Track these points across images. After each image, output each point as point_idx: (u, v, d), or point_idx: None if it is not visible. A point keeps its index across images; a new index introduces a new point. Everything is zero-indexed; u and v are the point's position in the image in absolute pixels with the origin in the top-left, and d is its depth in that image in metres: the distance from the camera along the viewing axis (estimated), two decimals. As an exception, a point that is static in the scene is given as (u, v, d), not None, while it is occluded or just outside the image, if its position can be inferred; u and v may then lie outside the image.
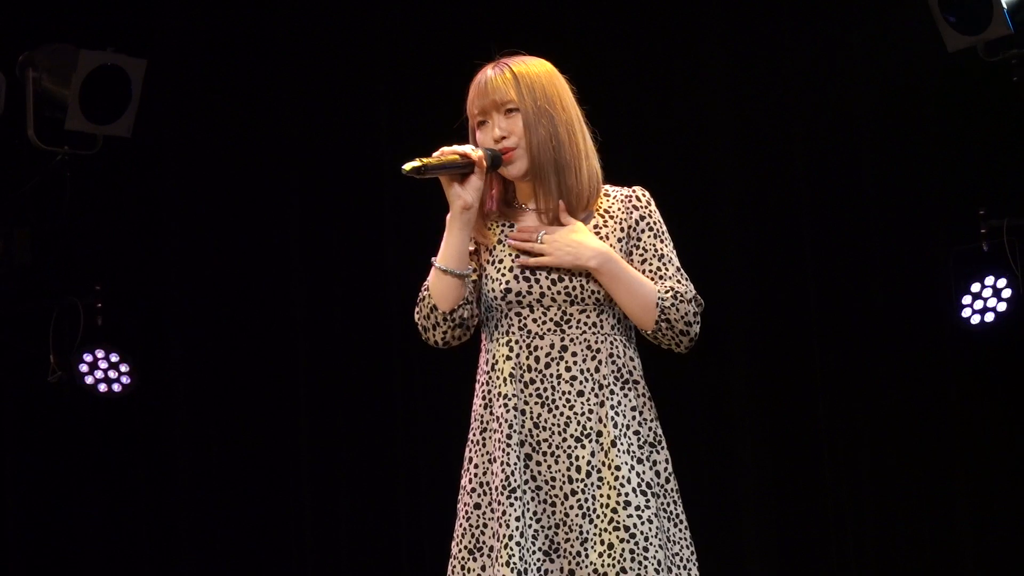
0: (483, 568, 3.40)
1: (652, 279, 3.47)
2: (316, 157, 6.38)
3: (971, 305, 5.67)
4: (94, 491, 6.38)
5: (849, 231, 5.98)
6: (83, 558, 6.37)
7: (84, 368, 6.14)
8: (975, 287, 5.66)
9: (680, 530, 3.46)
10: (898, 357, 5.90)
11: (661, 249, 3.51)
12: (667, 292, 3.45)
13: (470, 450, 3.48)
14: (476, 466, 3.45)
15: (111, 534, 6.38)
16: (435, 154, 3.35)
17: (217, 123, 6.40)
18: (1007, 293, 5.64)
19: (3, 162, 6.10)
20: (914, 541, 5.90)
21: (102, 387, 6.16)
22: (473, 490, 3.44)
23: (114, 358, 6.16)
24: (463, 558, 3.43)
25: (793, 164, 6.05)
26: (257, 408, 6.39)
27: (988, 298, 5.66)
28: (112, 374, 6.16)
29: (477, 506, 3.43)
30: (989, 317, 5.66)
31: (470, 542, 3.43)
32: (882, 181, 5.95)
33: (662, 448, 3.48)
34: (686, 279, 3.50)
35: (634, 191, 3.57)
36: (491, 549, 3.38)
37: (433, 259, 3.43)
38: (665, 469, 3.46)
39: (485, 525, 3.42)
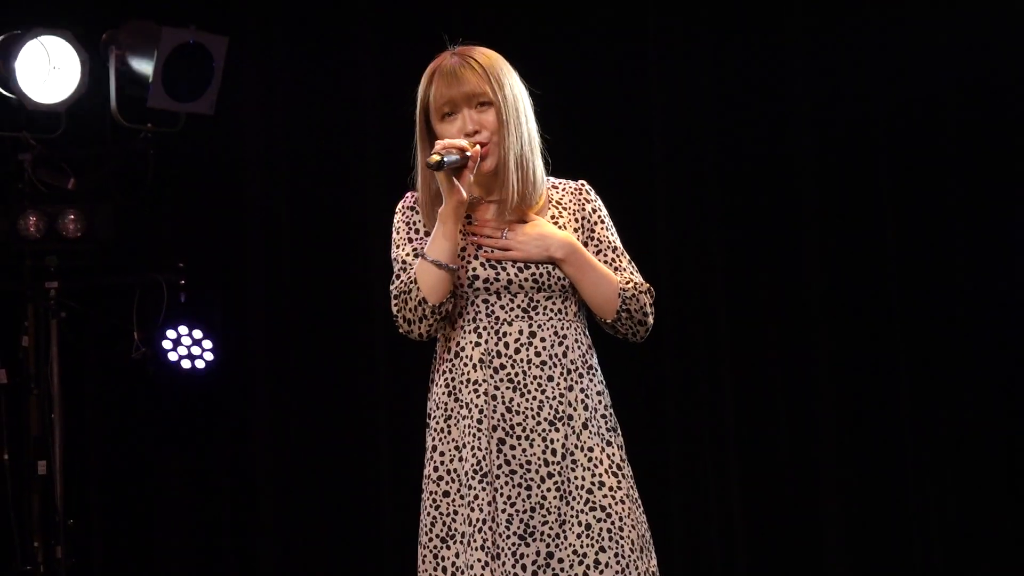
0: (456, 555, 3.42)
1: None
2: (397, 134, 6.37)
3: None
4: (176, 466, 6.43)
5: (931, 211, 5.93)
6: (164, 533, 6.42)
7: (167, 344, 6.18)
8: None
9: (641, 511, 3.51)
10: (982, 338, 5.85)
11: (614, 241, 3.58)
12: (628, 283, 3.51)
13: (433, 438, 3.50)
14: (441, 454, 3.47)
15: (192, 509, 6.43)
16: (437, 147, 3.39)
17: (298, 100, 6.42)
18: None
19: (87, 140, 6.14)
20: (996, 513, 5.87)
21: (185, 363, 6.20)
22: (440, 478, 3.47)
23: (197, 334, 6.20)
24: (435, 547, 3.45)
25: (875, 143, 6.02)
26: (338, 384, 6.42)
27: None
28: (195, 350, 6.20)
29: (446, 494, 3.46)
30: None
31: (442, 530, 3.45)
32: (965, 159, 5.90)
33: (619, 432, 3.53)
34: (637, 270, 3.57)
35: (582, 185, 3.62)
36: (463, 535, 3.40)
37: (423, 252, 3.43)
38: (624, 453, 3.51)
39: (456, 512, 3.44)
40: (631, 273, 3.54)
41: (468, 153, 3.39)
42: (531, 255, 3.45)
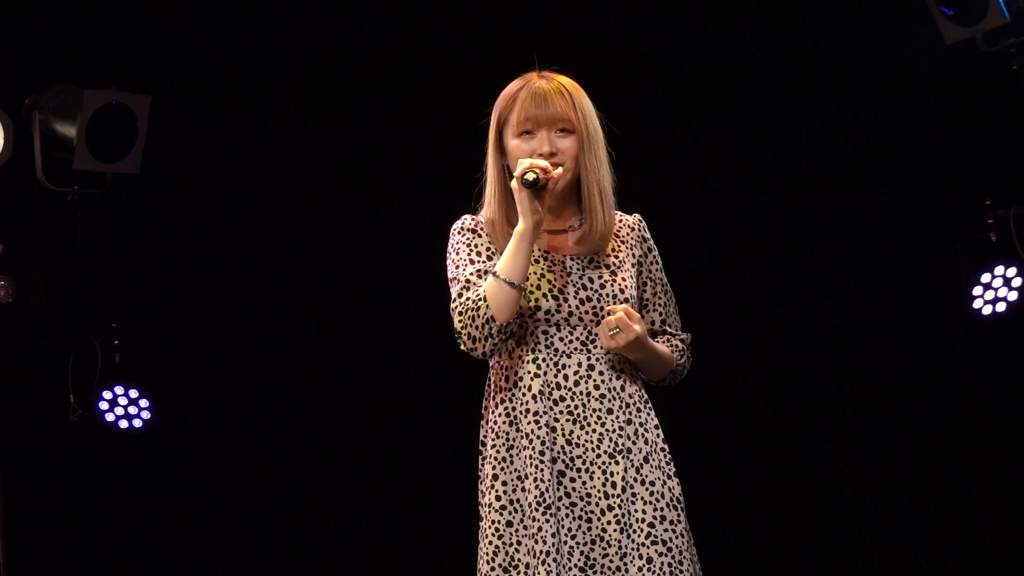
0: None
1: (659, 312, 3.61)
2: (323, 182, 6.42)
3: (982, 296, 5.68)
4: (117, 528, 6.39)
5: (856, 226, 6.00)
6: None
7: (104, 406, 6.15)
8: (985, 277, 5.67)
9: (694, 545, 3.55)
10: (910, 350, 5.92)
11: (667, 284, 3.66)
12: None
13: (494, 467, 3.50)
14: (504, 483, 3.48)
15: (134, 570, 6.39)
16: (523, 165, 3.40)
17: (224, 155, 6.44)
18: (1017, 282, 5.64)
19: (14, 205, 6.12)
20: (928, 532, 5.91)
21: (123, 423, 6.17)
22: (503, 507, 3.47)
23: (133, 394, 6.18)
24: None
25: (797, 161, 6.08)
26: (277, 439, 6.40)
27: (999, 288, 5.67)
28: (132, 410, 6.17)
29: (509, 523, 3.46)
30: (1000, 307, 5.66)
31: (504, 560, 3.46)
32: (887, 175, 5.98)
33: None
34: (678, 313, 3.67)
35: (639, 221, 3.67)
36: (527, 566, 3.42)
37: (494, 270, 3.43)
38: (681, 487, 3.55)
39: (519, 543, 3.45)
40: (675, 319, 3.64)
41: (552, 175, 3.42)
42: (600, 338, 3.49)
